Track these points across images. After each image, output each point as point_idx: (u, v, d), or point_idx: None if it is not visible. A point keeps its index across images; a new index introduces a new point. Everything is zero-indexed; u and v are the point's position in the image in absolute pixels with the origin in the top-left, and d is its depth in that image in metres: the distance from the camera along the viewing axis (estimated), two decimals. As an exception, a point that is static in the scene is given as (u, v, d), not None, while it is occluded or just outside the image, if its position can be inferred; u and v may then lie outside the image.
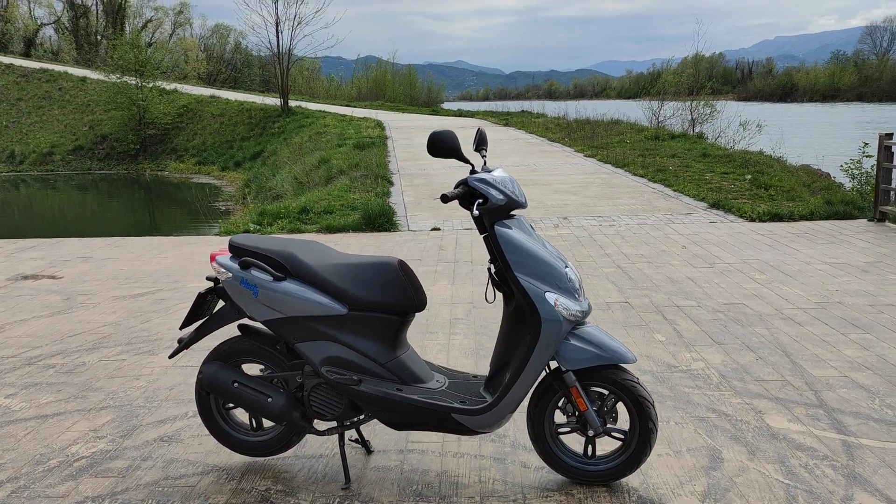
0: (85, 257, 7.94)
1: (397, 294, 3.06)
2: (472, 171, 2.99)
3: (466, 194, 2.93)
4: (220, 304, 3.31)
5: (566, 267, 2.97)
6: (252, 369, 3.49)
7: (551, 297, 2.87)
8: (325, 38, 69.63)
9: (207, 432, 3.65)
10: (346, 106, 37.41)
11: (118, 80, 32.40)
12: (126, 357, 4.81)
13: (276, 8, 30.71)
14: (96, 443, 3.61)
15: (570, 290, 2.92)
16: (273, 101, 32.85)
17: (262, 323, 3.11)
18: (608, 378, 2.99)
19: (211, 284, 3.25)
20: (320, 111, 30.92)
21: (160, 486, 3.19)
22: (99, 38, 63.84)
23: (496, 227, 2.92)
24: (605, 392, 3.06)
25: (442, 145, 2.88)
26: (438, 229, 9.00)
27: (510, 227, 2.94)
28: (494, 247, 2.92)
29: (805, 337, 4.82)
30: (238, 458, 3.41)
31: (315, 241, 3.33)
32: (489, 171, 3.00)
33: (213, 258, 3.20)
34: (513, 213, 3.01)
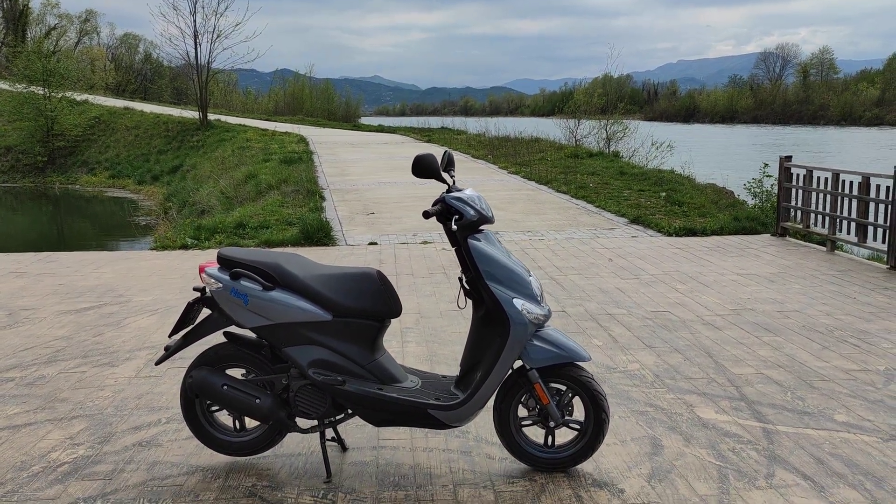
0: (17, 272, 7.82)
1: (376, 301, 3.36)
2: (448, 191, 3.32)
3: (443, 211, 3.26)
4: (205, 313, 3.52)
5: (530, 276, 3.34)
6: (234, 374, 3.69)
7: (518, 302, 3.23)
8: (246, 52, 68.62)
9: (185, 436, 3.84)
10: (266, 120, 37.16)
11: (24, 91, 31.17)
12: (86, 369, 4.89)
13: (195, 20, 30.33)
14: (75, 449, 3.72)
15: (533, 296, 3.29)
16: (191, 113, 32.31)
17: (251, 329, 3.34)
18: (566, 375, 3.37)
19: (198, 295, 3.46)
20: (241, 125, 30.66)
21: (148, 486, 3.36)
22: (-1, 44, 60.97)
23: (469, 240, 3.26)
24: (563, 388, 3.43)
25: (425, 167, 3.20)
26: (376, 243, 9.28)
27: (480, 241, 3.29)
28: (467, 258, 3.26)
29: (724, 340, 5.35)
30: (220, 459, 3.61)
31: (296, 254, 3.58)
32: (460, 191, 3.34)
33: (201, 269, 3.41)
34: (481, 227, 3.36)
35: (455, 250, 3.36)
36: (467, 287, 3.40)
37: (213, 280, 3.35)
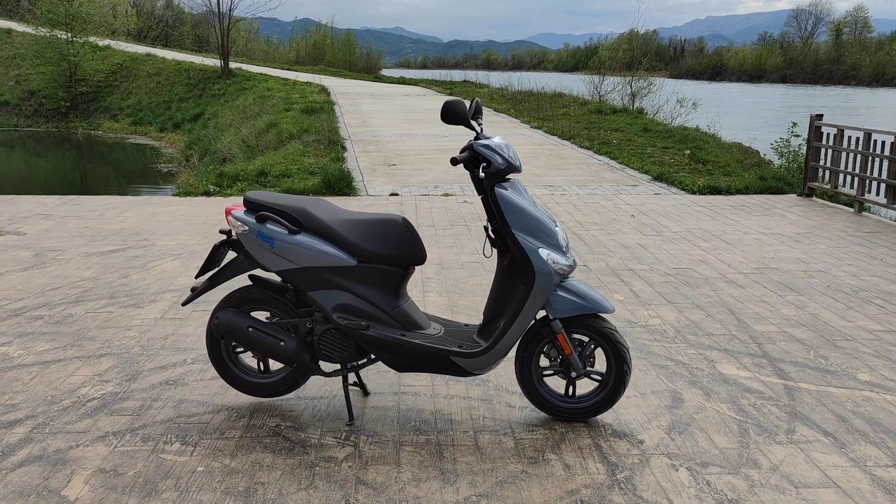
0: (44, 215, 7.90)
1: (401, 248, 3.36)
2: (477, 138, 3.29)
3: (471, 158, 3.23)
4: (231, 256, 3.54)
5: (556, 226, 3.31)
6: (259, 317, 3.73)
7: (544, 252, 3.21)
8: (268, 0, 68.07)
9: (210, 377, 3.90)
10: (288, 70, 36.90)
11: (47, 34, 31.08)
12: (112, 309, 4.96)
13: (217, -35, 29.92)
14: (103, 386, 3.80)
15: (559, 246, 3.27)
16: (212, 61, 32.12)
17: (276, 273, 3.36)
18: (589, 326, 3.37)
19: (224, 237, 3.48)
20: (262, 74, 30.48)
21: (175, 422, 3.43)
22: (20, -13, 60.63)
23: (496, 188, 3.24)
24: (586, 339, 3.44)
25: (454, 113, 3.17)
26: (397, 194, 9.26)
27: (507, 189, 3.26)
28: (494, 207, 3.24)
29: (747, 298, 5.32)
30: (244, 399, 3.67)
31: (322, 199, 3.58)
32: (488, 138, 3.31)
33: (228, 212, 3.42)
34: (508, 176, 3.33)
35: (481, 198, 3.34)
36: (493, 236, 3.39)
37: (239, 223, 3.36)
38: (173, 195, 9.60)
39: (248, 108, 21.38)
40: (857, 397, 3.75)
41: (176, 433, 3.33)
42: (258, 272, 3.53)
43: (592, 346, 3.43)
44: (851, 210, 8.53)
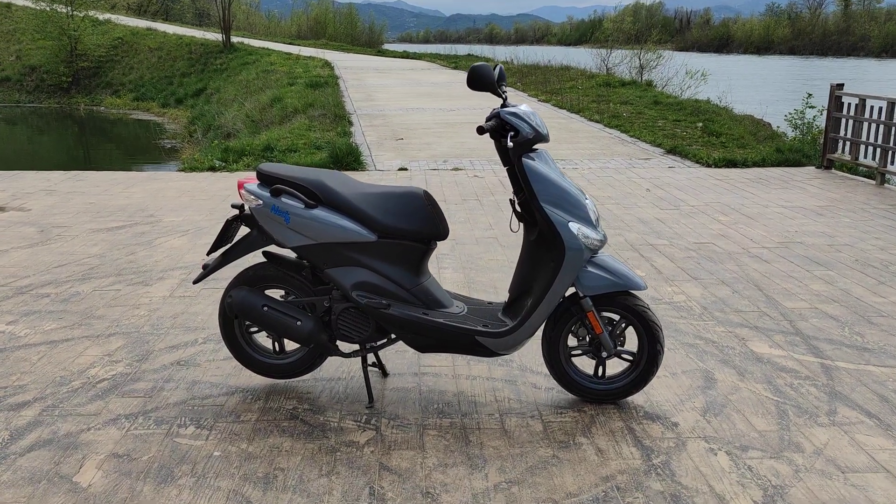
0: (48, 190, 7.74)
1: (423, 222, 3.19)
2: (503, 105, 3.11)
3: (498, 127, 3.06)
4: (242, 231, 3.38)
5: (586, 198, 3.15)
6: (273, 295, 3.58)
7: (574, 226, 3.05)
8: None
9: (222, 357, 3.76)
10: (290, 44, 36.46)
11: (47, 8, 30.69)
12: (120, 287, 4.82)
13: (217, -63, 29.39)
14: (114, 366, 3.66)
15: (589, 220, 3.11)
16: (213, 36, 31.72)
17: (293, 249, 3.21)
18: (621, 303, 3.21)
19: (237, 212, 3.31)
20: (264, 48, 30.11)
21: (189, 405, 3.29)
22: (19, -39, 59.94)
23: (523, 159, 3.06)
24: (616, 317, 3.28)
25: (481, 78, 3.00)
26: (406, 169, 9.07)
27: (535, 160, 3.09)
28: (521, 178, 3.07)
29: (773, 273, 5.16)
30: (258, 381, 3.53)
31: (338, 171, 3.41)
32: (515, 106, 3.13)
33: (240, 186, 3.26)
34: (535, 146, 3.16)
35: (507, 170, 3.17)
36: (519, 210, 3.22)
37: (252, 197, 3.20)
38: (179, 171, 9.42)
39: (251, 82, 21.11)
40: (898, 376, 3.60)
41: (190, 416, 3.19)
42: (272, 248, 3.37)
43: (623, 325, 3.27)
44: (873, 182, 8.32)
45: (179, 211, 6.89)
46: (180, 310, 4.44)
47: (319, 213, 3.13)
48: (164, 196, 7.53)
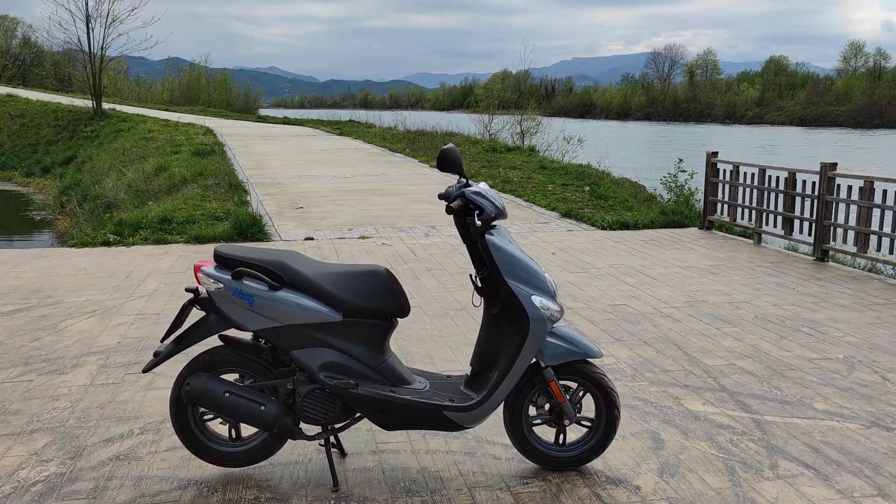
0: (-78, 272, 7.11)
1: (386, 300, 3.21)
2: (466, 185, 3.21)
3: (463, 206, 3.15)
4: (194, 315, 3.26)
5: (544, 273, 3.27)
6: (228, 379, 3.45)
7: (536, 299, 3.16)
8: (143, 38, 65.50)
9: (165, 448, 3.57)
10: (165, 110, 35.55)
11: None
12: (32, 377, 4.47)
13: (87, 4, 28.54)
14: (45, 466, 3.39)
15: (549, 292, 3.23)
16: (82, 102, 30.47)
17: (255, 332, 3.13)
18: (580, 371, 3.33)
19: (191, 296, 3.20)
20: (139, 115, 29.20)
21: (140, 503, 3.09)
22: None
23: (486, 236, 3.16)
24: (574, 385, 3.39)
25: (451, 161, 3.09)
26: (312, 238, 9.00)
27: (495, 236, 3.20)
28: (484, 254, 3.16)
29: (687, 332, 5.48)
30: (211, 470, 3.36)
31: (294, 251, 3.38)
32: (476, 185, 3.24)
33: (197, 269, 3.16)
34: (494, 223, 3.27)
35: (467, 246, 3.26)
36: (479, 284, 3.30)
37: (211, 280, 3.11)
38: (68, 245, 8.90)
39: (128, 150, 20.35)
40: (822, 427, 3.89)
41: (145, 516, 2.99)
42: (230, 331, 3.26)
43: (581, 393, 3.39)
44: (751, 241, 9.04)
45: (80, 290, 6.50)
46: (106, 399, 4.17)
47: (284, 294, 3.08)
48: (58, 274, 7.09)
